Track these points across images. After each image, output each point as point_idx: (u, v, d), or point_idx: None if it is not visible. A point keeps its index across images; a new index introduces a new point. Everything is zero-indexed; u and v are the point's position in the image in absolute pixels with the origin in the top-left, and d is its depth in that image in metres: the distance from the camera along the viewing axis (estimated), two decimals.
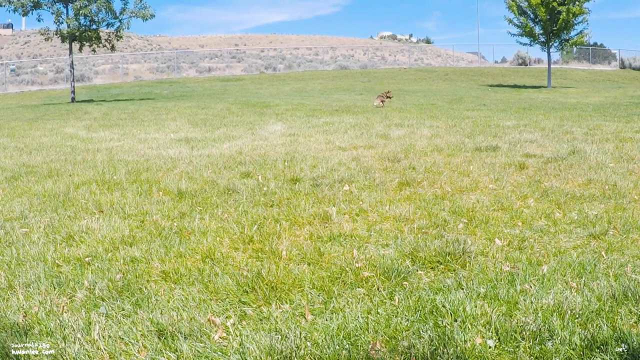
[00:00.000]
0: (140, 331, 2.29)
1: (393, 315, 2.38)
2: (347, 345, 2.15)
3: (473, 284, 2.67)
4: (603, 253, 3.06)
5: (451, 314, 2.36)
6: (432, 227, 3.59)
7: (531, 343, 2.13)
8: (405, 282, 2.73)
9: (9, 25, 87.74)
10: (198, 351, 2.15)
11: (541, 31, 24.38)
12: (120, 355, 2.14)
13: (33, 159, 6.59)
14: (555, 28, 23.92)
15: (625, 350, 2.04)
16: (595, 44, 44.52)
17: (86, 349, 2.17)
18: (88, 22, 19.44)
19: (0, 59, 44.39)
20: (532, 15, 24.35)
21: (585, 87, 24.13)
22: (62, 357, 2.12)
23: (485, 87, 24.26)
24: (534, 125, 9.06)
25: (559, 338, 2.15)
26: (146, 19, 19.76)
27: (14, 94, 27.66)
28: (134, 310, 2.48)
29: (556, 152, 6.33)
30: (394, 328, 2.27)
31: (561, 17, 23.27)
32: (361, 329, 2.27)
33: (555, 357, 2.06)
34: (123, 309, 2.49)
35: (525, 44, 25.52)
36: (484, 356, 2.07)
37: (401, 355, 2.09)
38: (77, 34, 19.27)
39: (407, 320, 2.34)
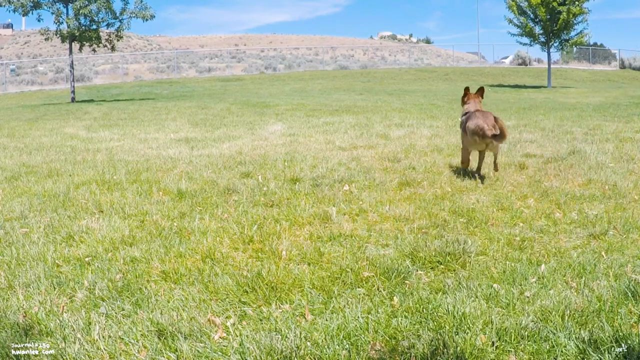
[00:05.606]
0: (140, 331, 2.29)
1: (393, 316, 2.38)
2: (347, 345, 2.15)
3: (473, 284, 2.67)
4: (603, 253, 3.06)
5: (451, 314, 2.36)
6: (432, 227, 3.59)
7: (531, 343, 2.13)
8: (405, 282, 2.72)
9: (9, 25, 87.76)
10: (198, 351, 2.15)
11: (541, 31, 24.38)
12: (120, 355, 2.14)
13: (33, 159, 6.59)
14: (555, 28, 23.92)
15: (625, 350, 2.04)
16: (595, 44, 44.54)
17: (86, 349, 2.17)
18: (88, 22, 19.42)
19: (0, 59, 44.39)
20: (532, 15, 24.35)
21: (585, 87, 24.13)
22: (62, 357, 2.12)
23: (485, 87, 24.26)
24: (534, 125, 9.06)
25: (559, 338, 2.15)
26: (146, 20, 19.75)
27: (14, 94, 27.66)
28: (134, 310, 2.48)
29: (556, 152, 6.33)
30: (394, 328, 2.27)
31: (561, 17, 23.28)
32: (361, 329, 2.27)
33: (555, 357, 2.06)
34: (123, 309, 2.49)
35: (525, 44, 25.54)
36: (484, 356, 2.07)
37: (401, 355, 2.09)
38: (77, 34, 19.25)
39: (407, 320, 2.34)
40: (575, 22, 23.85)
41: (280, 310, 2.46)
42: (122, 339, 2.24)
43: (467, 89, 5.31)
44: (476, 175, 4.94)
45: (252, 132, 8.83)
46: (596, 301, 2.43)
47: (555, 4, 23.16)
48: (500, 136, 4.52)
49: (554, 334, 2.18)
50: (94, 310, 2.49)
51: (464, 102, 5.25)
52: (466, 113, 5.06)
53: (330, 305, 2.49)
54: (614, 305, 2.39)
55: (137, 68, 38.66)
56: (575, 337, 2.15)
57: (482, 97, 5.16)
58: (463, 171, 5.15)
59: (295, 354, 2.10)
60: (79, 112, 14.16)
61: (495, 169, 5.04)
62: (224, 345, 2.19)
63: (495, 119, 4.61)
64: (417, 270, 2.87)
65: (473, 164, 5.30)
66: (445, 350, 2.09)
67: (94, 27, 19.57)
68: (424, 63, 48.81)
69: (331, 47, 57.97)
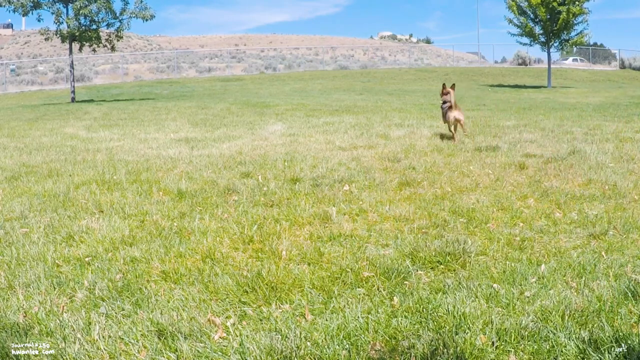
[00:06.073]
0: (140, 331, 2.29)
1: (393, 315, 2.38)
2: (347, 345, 2.15)
3: (473, 284, 2.67)
4: (603, 253, 3.06)
5: (451, 314, 2.36)
6: (432, 227, 3.59)
7: (531, 343, 2.13)
8: (405, 282, 2.72)
9: (9, 25, 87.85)
10: (198, 351, 2.15)
11: (541, 31, 24.38)
12: (120, 355, 2.14)
13: (33, 159, 6.59)
14: (555, 28, 23.92)
15: (625, 350, 2.04)
16: (595, 44, 44.60)
17: (86, 349, 2.17)
18: (88, 22, 19.42)
19: (0, 59, 44.39)
20: (532, 15, 24.35)
21: (585, 87, 24.13)
22: (62, 357, 2.12)
23: (485, 87, 24.26)
24: (534, 125, 9.06)
25: (559, 338, 2.15)
26: (146, 20, 19.76)
27: (14, 94, 27.66)
28: (134, 310, 2.48)
29: (556, 152, 6.33)
30: (394, 328, 2.27)
31: (561, 17, 23.28)
32: (361, 329, 2.27)
33: (555, 357, 2.06)
34: (123, 309, 2.49)
35: (525, 44, 25.54)
36: (484, 356, 2.07)
37: (401, 355, 2.09)
38: (77, 34, 19.25)
39: (407, 320, 2.34)
40: (575, 22, 23.85)
41: (280, 310, 2.46)
42: (122, 339, 2.24)
43: (444, 85, 7.46)
44: (454, 137, 7.34)
45: (252, 132, 8.83)
46: (596, 301, 2.43)
47: (555, 4, 23.16)
48: (460, 120, 7.34)
49: (554, 334, 2.18)
50: (94, 310, 2.49)
51: (442, 94, 7.37)
52: (444, 102, 7.31)
53: (330, 305, 2.49)
54: (614, 305, 2.39)
55: (137, 68, 38.66)
56: (575, 337, 2.15)
57: (454, 90, 7.35)
58: (448, 141, 7.26)
59: (295, 354, 2.10)
60: (79, 112, 14.16)
61: (464, 131, 7.64)
62: (224, 345, 2.19)
63: (459, 110, 7.27)
64: (417, 270, 2.87)
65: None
66: (445, 350, 2.09)
67: (94, 27, 19.56)
68: (424, 63, 48.81)
69: (331, 47, 57.95)
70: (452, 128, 7.34)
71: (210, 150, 7.01)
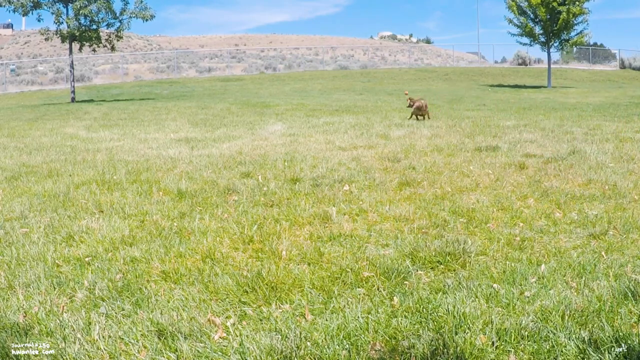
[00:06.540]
0: (140, 331, 2.29)
1: (393, 316, 2.38)
2: (347, 345, 2.15)
3: (473, 284, 2.67)
4: (603, 253, 3.06)
5: (451, 314, 2.36)
6: (432, 227, 3.59)
7: (531, 343, 2.13)
8: (405, 282, 2.73)
9: (9, 25, 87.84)
10: (198, 351, 2.15)
11: (541, 31, 24.38)
12: (120, 355, 2.14)
13: (33, 159, 6.59)
14: (555, 28, 23.91)
15: (625, 350, 2.04)
16: (595, 44, 44.57)
17: (86, 349, 2.17)
18: (88, 22, 19.42)
19: (0, 59, 44.40)
20: (532, 15, 24.35)
21: (585, 87, 24.13)
22: (62, 357, 2.12)
23: (485, 87, 24.26)
24: (534, 125, 9.07)
25: (559, 338, 2.15)
26: (146, 20, 19.76)
27: (14, 94, 27.65)
28: (134, 310, 2.48)
29: (556, 152, 6.33)
30: (394, 328, 2.27)
31: (561, 17, 23.27)
32: (361, 329, 2.27)
33: (555, 357, 2.06)
34: (123, 309, 2.49)
35: (525, 44, 25.52)
36: (484, 356, 2.07)
37: (401, 355, 2.09)
38: (77, 34, 19.24)
39: (407, 320, 2.34)
40: (575, 22, 23.85)
41: (280, 310, 2.46)
42: (122, 339, 2.24)
43: (406, 93, 11.62)
44: (413, 119, 10.00)
45: (252, 132, 8.83)
46: (596, 301, 2.43)
47: (555, 4, 23.15)
48: (426, 109, 10.25)
49: (554, 334, 2.18)
50: (94, 310, 2.49)
51: (408, 99, 10.49)
52: (412, 102, 10.30)
53: (330, 305, 2.49)
54: (614, 305, 2.40)
55: (137, 68, 38.65)
56: (575, 337, 2.15)
57: (410, 95, 11.04)
58: (415, 122, 9.73)
59: (295, 354, 2.10)
60: (79, 112, 14.16)
61: (428, 117, 10.23)
62: (224, 345, 2.19)
63: (423, 103, 10.19)
64: (417, 270, 2.87)
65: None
66: (445, 350, 2.09)
67: (94, 27, 19.55)
68: (424, 63, 48.81)
69: (331, 47, 57.92)
70: (418, 117, 10.19)
71: (210, 150, 7.01)
